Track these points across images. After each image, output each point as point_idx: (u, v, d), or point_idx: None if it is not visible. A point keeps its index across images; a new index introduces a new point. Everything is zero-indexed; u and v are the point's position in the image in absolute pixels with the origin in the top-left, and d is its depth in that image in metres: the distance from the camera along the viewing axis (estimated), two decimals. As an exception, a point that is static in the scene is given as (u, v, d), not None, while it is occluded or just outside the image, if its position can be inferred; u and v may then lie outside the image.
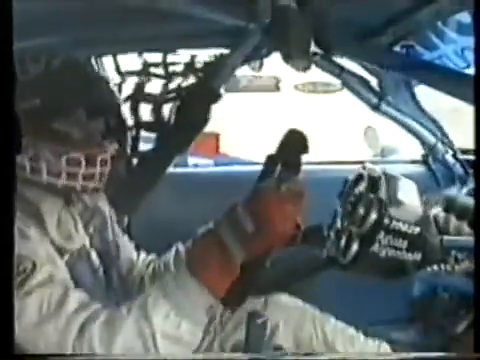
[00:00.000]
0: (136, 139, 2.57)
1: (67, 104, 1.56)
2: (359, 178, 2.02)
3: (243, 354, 1.48)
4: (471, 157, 2.85)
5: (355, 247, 1.80)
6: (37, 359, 1.41)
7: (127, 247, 2.00)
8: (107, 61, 2.51)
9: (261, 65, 2.75)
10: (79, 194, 1.69)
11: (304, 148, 1.63)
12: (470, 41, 1.87)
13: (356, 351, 2.14)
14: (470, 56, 1.96)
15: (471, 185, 2.50)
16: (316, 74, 2.68)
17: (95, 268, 1.73)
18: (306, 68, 2.30)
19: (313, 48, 2.09)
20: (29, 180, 1.56)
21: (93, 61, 2.40)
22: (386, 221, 1.76)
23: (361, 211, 1.86)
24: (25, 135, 1.49)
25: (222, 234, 1.43)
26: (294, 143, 1.63)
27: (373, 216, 1.79)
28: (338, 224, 2.00)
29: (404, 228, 1.77)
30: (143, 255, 2.06)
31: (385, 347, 2.20)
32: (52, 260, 1.54)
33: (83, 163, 1.56)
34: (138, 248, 2.07)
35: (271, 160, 1.74)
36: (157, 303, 1.41)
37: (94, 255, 1.75)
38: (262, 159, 1.66)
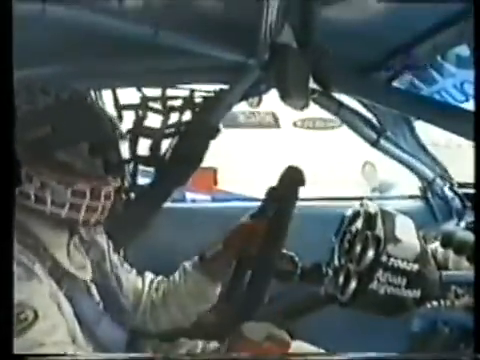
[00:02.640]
0: (134, 173, 2.57)
1: (72, 137, 1.57)
2: (356, 215, 2.02)
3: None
4: (469, 190, 2.85)
5: (353, 285, 1.79)
6: (38, 359, 1.39)
7: (129, 276, 1.98)
8: (106, 95, 2.52)
9: (259, 101, 2.77)
10: (81, 226, 1.69)
11: (300, 182, 1.63)
12: (469, 74, 1.88)
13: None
14: (469, 89, 1.96)
15: (469, 219, 2.49)
16: (314, 111, 2.69)
17: (96, 302, 1.72)
18: (304, 107, 2.31)
19: (311, 85, 2.11)
20: (33, 210, 1.56)
21: (92, 94, 2.41)
22: (384, 258, 1.76)
23: (358, 248, 1.86)
24: (31, 164, 1.51)
25: None
26: (291, 178, 1.63)
27: (370, 253, 1.79)
28: (336, 261, 1.99)
29: (402, 265, 1.77)
30: (148, 279, 2.04)
31: None
32: (56, 299, 1.53)
33: (88, 195, 1.57)
34: (141, 273, 2.05)
35: (267, 197, 1.76)
36: None
37: (94, 290, 1.73)
38: (259, 194, 1.67)
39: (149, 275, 2.06)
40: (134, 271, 2.03)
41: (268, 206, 1.83)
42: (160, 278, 2.05)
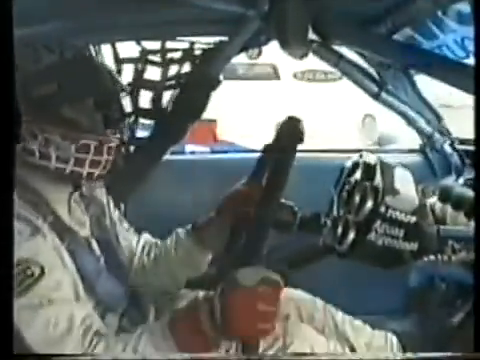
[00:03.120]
0: (133, 126, 2.57)
1: (76, 93, 1.59)
2: (355, 166, 2.02)
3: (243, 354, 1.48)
4: (468, 147, 2.84)
5: (351, 235, 1.81)
6: (38, 359, 1.40)
7: (126, 234, 2.00)
8: (105, 49, 2.50)
9: (259, 53, 2.74)
10: (84, 181, 1.70)
11: (300, 133, 1.63)
12: (470, 31, 1.86)
13: (365, 341, 2.16)
14: (470, 46, 1.94)
15: (468, 175, 2.50)
16: (315, 63, 2.67)
17: (97, 257, 1.73)
18: (303, 56, 2.29)
19: (311, 36, 2.09)
20: (37, 167, 1.58)
21: (92, 49, 2.39)
22: (382, 209, 1.77)
23: (357, 199, 1.87)
24: (36, 121, 1.54)
25: (200, 308, 1.44)
26: (290, 131, 1.63)
27: (369, 204, 1.80)
28: (335, 212, 2.00)
29: (400, 217, 1.78)
30: (142, 241, 2.05)
31: (391, 338, 2.21)
32: (59, 254, 1.54)
33: (92, 150, 1.58)
34: (139, 232, 2.07)
35: (266, 151, 1.75)
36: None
37: (95, 245, 1.74)
38: (258, 145, 1.66)
39: (144, 237, 2.08)
40: (132, 230, 2.05)
41: (263, 166, 1.82)
42: (153, 242, 2.07)
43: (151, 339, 1.45)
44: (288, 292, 2.20)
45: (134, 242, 2.02)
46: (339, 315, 2.19)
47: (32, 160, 1.56)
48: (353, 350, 2.10)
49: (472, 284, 1.46)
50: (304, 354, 1.76)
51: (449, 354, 1.44)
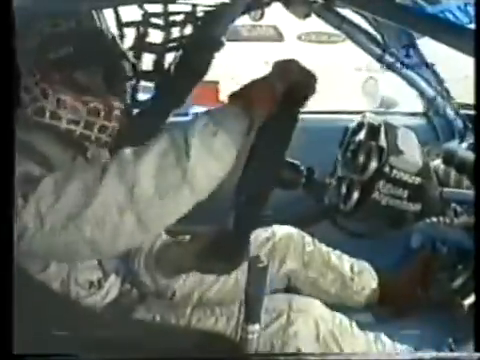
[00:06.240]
0: (136, 90, 2.56)
1: (89, 59, 1.65)
2: (359, 126, 2.02)
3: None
4: (471, 112, 2.84)
5: (356, 195, 1.82)
6: (38, 359, 1.40)
7: None
8: (107, 13, 2.50)
9: (262, 15, 2.72)
10: (90, 145, 1.73)
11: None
12: (472, -4, 1.85)
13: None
14: (473, 11, 1.93)
15: (470, 140, 2.50)
16: (318, 24, 2.65)
17: None
18: (306, 15, 2.28)
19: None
20: (47, 126, 1.62)
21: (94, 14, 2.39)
22: (386, 169, 1.78)
23: (361, 159, 1.88)
24: (49, 82, 1.60)
25: None
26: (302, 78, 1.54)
27: (373, 164, 1.81)
28: (339, 172, 2.01)
29: (404, 177, 1.79)
30: None
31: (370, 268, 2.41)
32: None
33: (102, 114, 1.64)
34: None
35: None
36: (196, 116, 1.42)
37: None
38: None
39: None
40: None
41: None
42: None
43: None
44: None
45: None
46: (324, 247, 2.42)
47: (42, 120, 1.60)
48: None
49: (473, 248, 1.48)
50: (304, 354, 1.78)
51: (449, 354, 1.47)
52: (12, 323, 1.18)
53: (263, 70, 1.53)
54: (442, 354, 1.44)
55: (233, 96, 1.45)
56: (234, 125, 1.39)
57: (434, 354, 1.45)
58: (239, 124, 1.40)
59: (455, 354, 1.45)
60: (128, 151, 1.37)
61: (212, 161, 1.35)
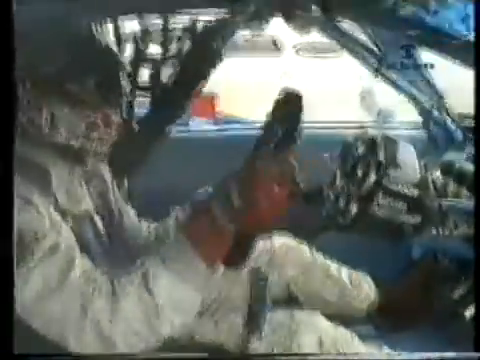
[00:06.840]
0: (135, 104, 2.56)
1: (83, 70, 1.61)
2: (358, 140, 2.03)
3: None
4: (470, 122, 2.84)
5: (354, 208, 1.82)
6: (38, 359, 1.39)
7: (130, 214, 2.02)
8: (107, 27, 2.50)
9: (262, 29, 2.73)
10: (89, 157, 1.70)
11: (300, 108, 1.58)
12: (472, 8, 1.86)
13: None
14: (472, 23, 1.94)
15: (469, 150, 2.50)
16: (316, 37, 2.66)
17: (99, 232, 1.73)
18: (307, 31, 2.29)
19: (315, 9, 2.08)
20: (42, 141, 1.58)
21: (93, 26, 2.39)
22: (385, 183, 1.78)
23: (360, 173, 1.88)
24: (44, 96, 1.56)
25: (213, 206, 1.42)
26: (292, 105, 1.59)
27: (372, 177, 1.81)
28: (338, 185, 2.01)
29: (403, 190, 1.79)
30: (145, 223, 2.07)
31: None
32: (56, 227, 1.49)
33: (101, 126, 1.61)
34: (139, 215, 2.08)
35: (269, 125, 1.73)
36: (157, 271, 1.41)
37: (98, 219, 1.75)
38: (259, 118, 1.63)
39: (144, 221, 2.10)
40: (134, 212, 2.07)
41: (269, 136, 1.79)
42: (154, 225, 2.10)
43: (167, 252, 1.44)
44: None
45: (136, 220, 2.05)
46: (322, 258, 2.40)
47: (39, 134, 1.56)
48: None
49: (473, 259, 1.48)
50: (304, 354, 1.78)
51: (449, 354, 1.47)
52: (12, 323, 1.18)
53: (260, 83, 1.53)
54: (442, 354, 1.44)
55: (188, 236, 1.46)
56: (196, 274, 1.44)
57: (434, 354, 1.44)
58: (201, 267, 1.43)
59: (455, 354, 1.45)
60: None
61: (180, 313, 1.43)
